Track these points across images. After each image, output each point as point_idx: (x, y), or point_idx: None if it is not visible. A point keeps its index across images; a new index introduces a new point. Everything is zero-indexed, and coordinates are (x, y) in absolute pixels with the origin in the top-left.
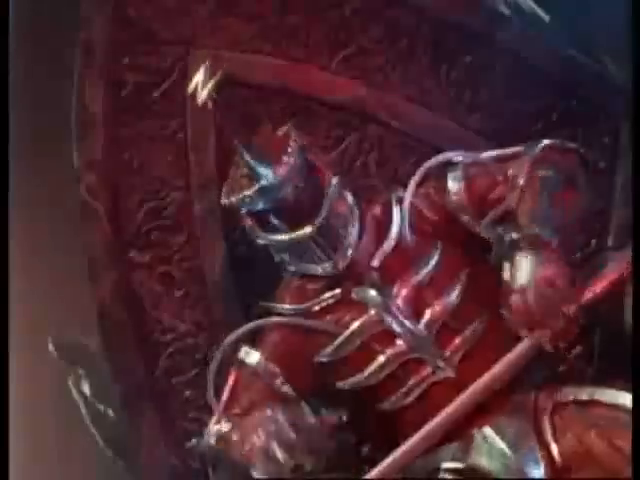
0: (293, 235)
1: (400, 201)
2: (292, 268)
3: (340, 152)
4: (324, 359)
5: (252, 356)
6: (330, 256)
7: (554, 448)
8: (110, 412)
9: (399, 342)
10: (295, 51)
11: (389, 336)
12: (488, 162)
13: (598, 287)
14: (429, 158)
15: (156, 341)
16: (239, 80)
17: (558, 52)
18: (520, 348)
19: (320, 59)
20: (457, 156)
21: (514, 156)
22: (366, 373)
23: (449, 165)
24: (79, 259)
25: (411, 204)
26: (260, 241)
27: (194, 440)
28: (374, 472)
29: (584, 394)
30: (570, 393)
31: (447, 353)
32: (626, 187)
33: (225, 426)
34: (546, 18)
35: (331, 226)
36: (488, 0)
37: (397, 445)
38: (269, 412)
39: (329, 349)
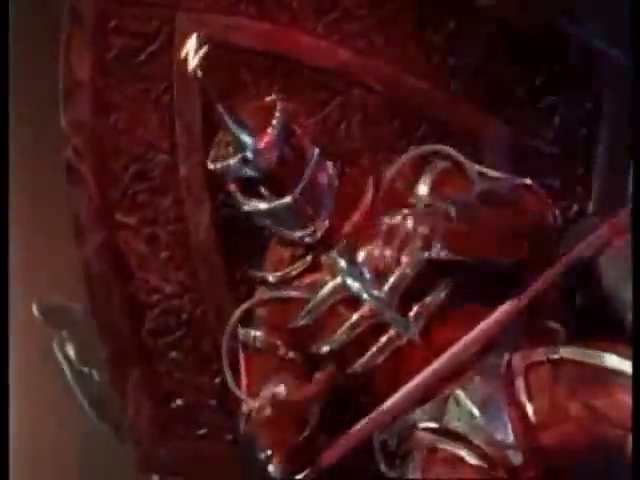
0: (274, 204)
1: (377, 171)
2: (273, 233)
3: (324, 116)
4: (299, 324)
5: (250, 335)
6: (308, 225)
7: (529, 407)
8: (94, 374)
9: (365, 306)
10: (280, 15)
11: (355, 301)
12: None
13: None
14: (412, 122)
15: (142, 302)
16: (224, 43)
17: (542, 19)
18: (496, 314)
19: (305, 23)
20: (447, 151)
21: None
22: (335, 336)
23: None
24: (64, 223)
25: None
26: (243, 207)
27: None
28: (353, 429)
29: (555, 353)
30: (544, 353)
31: (410, 317)
32: (606, 154)
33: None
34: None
35: (311, 195)
36: None
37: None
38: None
39: (302, 314)
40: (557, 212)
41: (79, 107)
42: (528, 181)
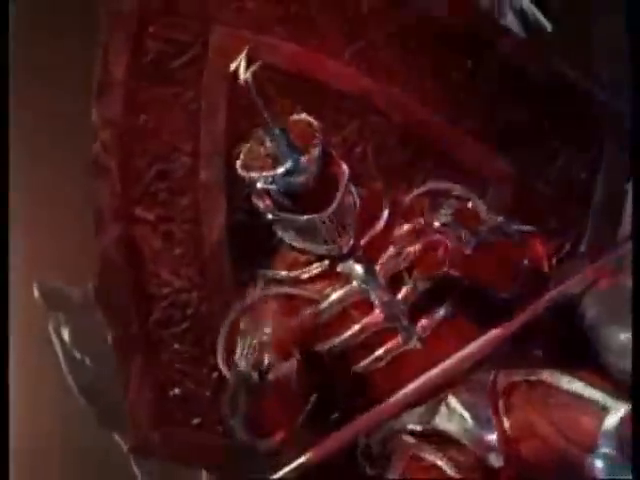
0: (308, 217)
1: (391, 194)
2: (295, 244)
3: (342, 137)
4: (310, 323)
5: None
6: (335, 240)
7: (505, 421)
8: (87, 360)
9: (376, 312)
10: (309, 39)
11: (367, 306)
12: None
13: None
14: (423, 152)
15: (152, 294)
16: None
17: (554, 66)
18: (487, 336)
19: (332, 49)
20: (461, 191)
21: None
22: (344, 336)
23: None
24: (68, 211)
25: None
26: (274, 217)
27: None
28: (347, 427)
29: (533, 375)
30: (522, 374)
31: (418, 327)
32: (603, 199)
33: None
34: (548, 27)
35: (340, 213)
36: (494, 10)
37: (365, 410)
38: None
39: (316, 312)
40: (553, 260)
41: (111, 104)
42: (532, 228)
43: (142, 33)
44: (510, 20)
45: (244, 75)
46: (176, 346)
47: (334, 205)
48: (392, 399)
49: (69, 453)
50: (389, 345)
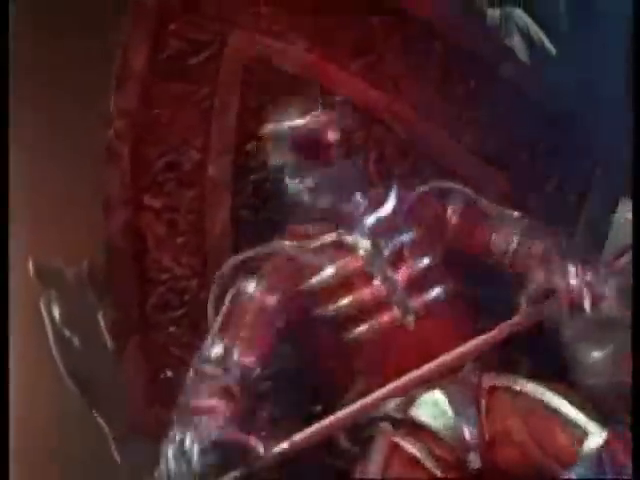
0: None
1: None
2: (308, 200)
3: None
4: (314, 285)
5: (250, 286)
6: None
7: (485, 424)
8: (75, 340)
9: (375, 284)
10: (321, 49)
11: (368, 278)
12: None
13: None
14: (423, 164)
15: (152, 278)
16: (266, 62)
17: (554, 90)
18: (490, 335)
19: (342, 60)
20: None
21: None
22: (342, 303)
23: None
24: (65, 191)
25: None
26: (292, 172)
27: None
28: (334, 416)
29: (517, 384)
30: (506, 381)
31: (413, 304)
32: (589, 222)
33: (219, 349)
34: (553, 51)
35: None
36: (500, 29)
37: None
38: None
39: (319, 279)
40: None
41: (128, 95)
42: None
43: (162, 30)
44: (516, 40)
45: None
46: (172, 330)
47: (350, 160)
48: (379, 392)
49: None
50: (384, 318)
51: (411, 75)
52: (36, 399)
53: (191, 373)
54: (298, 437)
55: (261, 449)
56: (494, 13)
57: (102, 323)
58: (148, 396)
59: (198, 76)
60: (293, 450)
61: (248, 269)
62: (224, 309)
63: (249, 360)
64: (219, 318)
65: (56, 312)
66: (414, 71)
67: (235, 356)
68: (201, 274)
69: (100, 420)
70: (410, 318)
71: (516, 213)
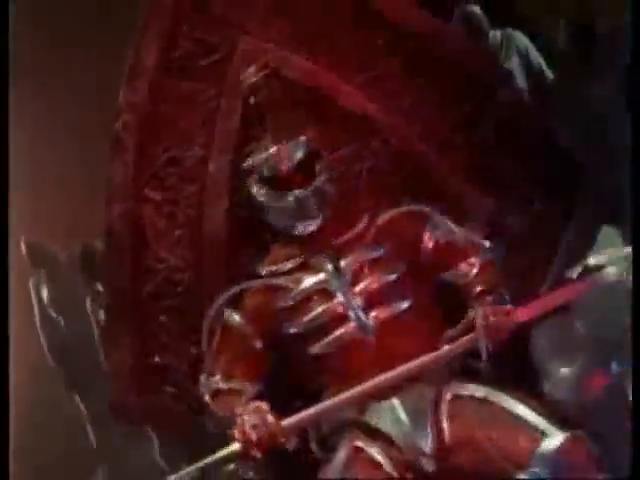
0: (291, 194)
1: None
2: (278, 224)
3: (342, 154)
4: (283, 304)
5: (234, 318)
6: (307, 220)
7: (447, 429)
8: (61, 321)
9: (335, 301)
10: (327, 60)
11: (329, 295)
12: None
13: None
14: (413, 179)
15: (149, 267)
16: (275, 71)
17: (545, 125)
18: (439, 352)
19: (347, 73)
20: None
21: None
22: (305, 319)
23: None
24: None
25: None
26: (261, 199)
27: None
28: (303, 413)
29: (480, 392)
30: (469, 389)
31: (371, 318)
32: (569, 246)
33: (216, 380)
34: (550, 76)
35: (317, 196)
36: (501, 51)
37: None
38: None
39: (288, 297)
40: None
41: (138, 89)
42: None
43: (175, 29)
44: (515, 64)
45: (252, 79)
46: (162, 319)
47: (312, 187)
48: (347, 394)
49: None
50: (342, 331)
51: (412, 94)
52: (22, 376)
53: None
54: None
55: None
56: (495, 34)
57: (89, 308)
58: (134, 381)
59: (206, 77)
60: None
61: (232, 302)
62: (215, 343)
63: (248, 385)
64: (212, 352)
65: (44, 293)
66: (415, 90)
67: (234, 384)
68: (195, 267)
69: (79, 402)
70: (368, 331)
71: (487, 243)
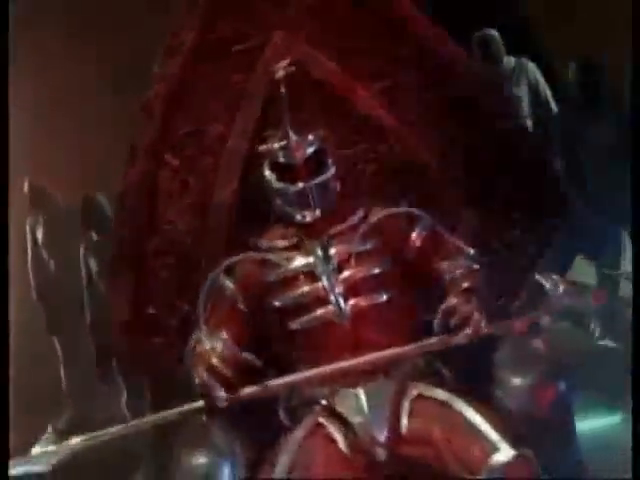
0: (296, 185)
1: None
2: (281, 209)
3: (349, 152)
4: (271, 279)
5: (227, 284)
6: (308, 208)
7: (405, 423)
8: (52, 263)
9: (319, 285)
10: (348, 65)
11: (314, 278)
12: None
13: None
14: (411, 186)
15: (156, 226)
16: (301, 66)
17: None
18: (407, 348)
19: (366, 79)
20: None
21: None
22: (291, 295)
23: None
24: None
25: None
26: (272, 185)
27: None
28: (273, 382)
29: (444, 396)
30: (434, 392)
31: (349, 305)
32: (545, 269)
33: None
34: (554, 109)
35: (320, 191)
36: (512, 76)
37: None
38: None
39: (278, 272)
40: None
41: (174, 63)
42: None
43: (217, 15)
44: (524, 91)
45: (279, 73)
46: (161, 274)
47: (317, 180)
48: (316, 370)
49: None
50: (321, 312)
51: (421, 105)
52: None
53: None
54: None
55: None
56: (510, 60)
57: (82, 256)
58: (126, 326)
59: (237, 63)
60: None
61: (228, 271)
62: (210, 304)
63: (231, 341)
64: (205, 311)
65: (40, 234)
66: (424, 103)
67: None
68: (198, 234)
69: (55, 342)
70: (342, 318)
71: (472, 250)
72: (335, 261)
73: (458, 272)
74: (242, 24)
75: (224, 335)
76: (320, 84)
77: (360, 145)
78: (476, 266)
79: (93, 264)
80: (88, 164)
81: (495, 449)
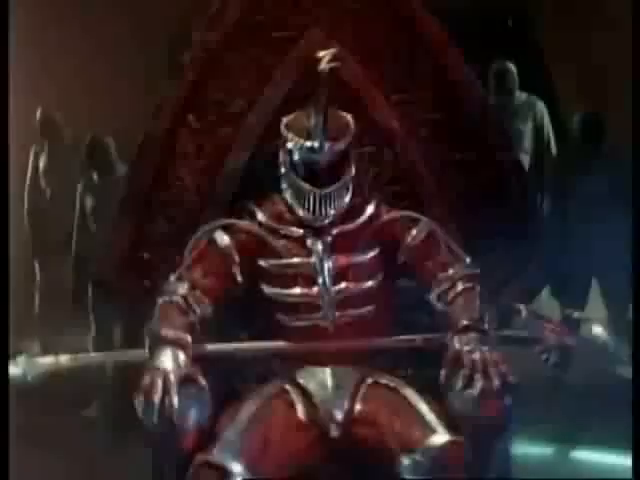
0: (310, 187)
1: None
2: (288, 199)
3: (358, 153)
4: (268, 264)
5: (224, 240)
6: (317, 213)
7: (358, 406)
8: (48, 193)
9: (314, 289)
10: (374, 75)
11: (310, 280)
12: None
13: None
14: (408, 192)
15: (166, 181)
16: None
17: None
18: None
19: (387, 89)
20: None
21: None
22: (285, 292)
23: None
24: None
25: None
26: (285, 172)
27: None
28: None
29: (394, 383)
30: (387, 379)
31: (335, 314)
32: (514, 298)
33: (182, 287)
34: (554, 151)
35: (332, 198)
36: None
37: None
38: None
39: (273, 262)
40: None
41: (214, 35)
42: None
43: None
44: (528, 127)
45: (324, 66)
46: (162, 224)
47: (333, 188)
48: (283, 344)
49: None
50: (310, 314)
51: (429, 123)
52: None
53: (161, 301)
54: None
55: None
56: (521, 96)
57: (79, 193)
58: (121, 262)
59: (272, 47)
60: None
61: (225, 229)
62: (195, 252)
63: (207, 300)
64: (190, 259)
65: (41, 163)
66: (430, 122)
67: (197, 294)
68: (204, 196)
69: (37, 270)
70: (331, 324)
71: (469, 259)
72: (334, 271)
73: (451, 294)
74: (284, 13)
75: (197, 293)
76: (345, 85)
77: (367, 147)
78: (474, 271)
79: (89, 202)
80: (103, 107)
81: (433, 432)
